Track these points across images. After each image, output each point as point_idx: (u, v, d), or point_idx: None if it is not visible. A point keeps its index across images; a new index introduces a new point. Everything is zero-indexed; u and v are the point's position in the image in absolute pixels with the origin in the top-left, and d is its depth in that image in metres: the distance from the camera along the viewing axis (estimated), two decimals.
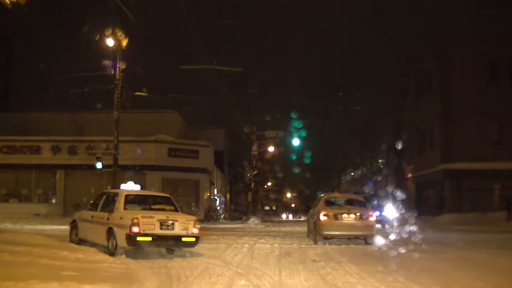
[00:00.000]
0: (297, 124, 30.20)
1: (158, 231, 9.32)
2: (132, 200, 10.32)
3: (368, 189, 38.74)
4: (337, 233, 13.42)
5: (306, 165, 67.98)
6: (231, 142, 47.72)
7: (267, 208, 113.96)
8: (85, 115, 32.48)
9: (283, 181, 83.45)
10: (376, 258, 10.27)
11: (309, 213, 16.52)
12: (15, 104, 46.44)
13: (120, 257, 9.27)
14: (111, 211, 10.06)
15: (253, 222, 29.58)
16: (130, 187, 12.08)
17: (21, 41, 42.91)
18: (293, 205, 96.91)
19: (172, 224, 9.53)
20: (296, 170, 53.20)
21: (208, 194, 32.41)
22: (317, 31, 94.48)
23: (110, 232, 9.70)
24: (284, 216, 71.02)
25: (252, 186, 39.76)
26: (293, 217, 67.86)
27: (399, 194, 27.15)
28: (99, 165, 24.71)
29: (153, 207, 10.34)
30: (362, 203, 14.47)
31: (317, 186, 70.36)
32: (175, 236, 9.55)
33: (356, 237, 13.59)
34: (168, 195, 11.19)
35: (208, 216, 30.32)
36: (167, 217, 9.62)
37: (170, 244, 9.90)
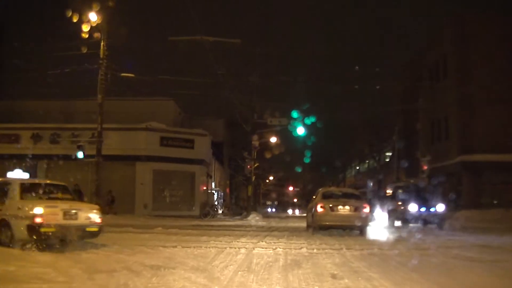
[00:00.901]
0: (301, 117, 27.47)
1: (61, 221, 8.91)
2: (27, 189, 9.66)
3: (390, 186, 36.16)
4: (333, 223, 14.34)
5: (310, 158, 65.46)
6: (232, 133, 45.07)
7: (269, 203, 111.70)
8: (74, 103, 29.87)
9: (286, 176, 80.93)
10: (416, 270, 7.56)
11: (308, 207, 17.44)
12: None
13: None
14: (3, 202, 9.35)
15: (254, 218, 26.99)
16: (18, 175, 10.76)
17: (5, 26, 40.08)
18: (295, 200, 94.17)
19: (76, 213, 9.20)
20: (307, 159, 50.14)
21: (204, 188, 29.78)
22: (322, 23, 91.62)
23: (2, 224, 9.05)
24: (290, 211, 68.22)
25: (253, 180, 37.14)
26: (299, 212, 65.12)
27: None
28: (80, 154, 22.11)
29: (51, 196, 9.81)
30: (357, 196, 15.69)
31: (321, 181, 67.69)
32: (79, 226, 9.14)
33: (351, 228, 14.48)
34: (64, 184, 10.66)
35: (204, 211, 27.77)
36: (70, 206, 9.32)
37: (73, 235, 9.12)
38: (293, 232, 16.20)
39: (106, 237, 10.45)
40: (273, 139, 36.08)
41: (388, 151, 38.92)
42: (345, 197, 15.26)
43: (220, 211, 37.64)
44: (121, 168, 26.16)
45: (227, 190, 46.80)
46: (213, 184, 34.79)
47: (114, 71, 22.64)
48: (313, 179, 72.43)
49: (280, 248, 10.53)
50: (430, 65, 34.61)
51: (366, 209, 14.48)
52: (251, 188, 27.90)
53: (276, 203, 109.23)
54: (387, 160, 45.16)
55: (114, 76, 23.48)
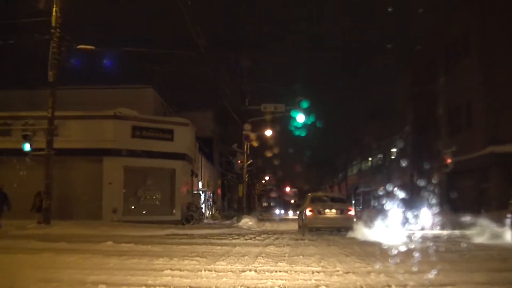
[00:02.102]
0: (304, 103, 23.06)
1: None
2: None
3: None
4: (321, 225, 15.68)
5: (310, 157, 61.16)
6: (222, 127, 40.64)
7: (265, 204, 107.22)
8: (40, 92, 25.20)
9: (283, 175, 76.57)
10: None
11: (299, 211, 18.72)
12: None
13: None
14: None
15: (246, 223, 22.53)
16: None
17: None
18: (292, 201, 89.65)
19: None
20: (308, 153, 45.86)
21: (188, 188, 25.27)
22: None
23: None
24: (290, 213, 62.88)
25: (246, 178, 32.65)
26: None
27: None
28: (27, 146, 17.65)
29: None
30: (343, 200, 17.85)
31: (320, 181, 63.35)
32: None
33: (338, 229, 15.64)
34: None
35: (187, 216, 23.28)
36: None
37: None
38: (297, 244, 11.73)
39: None
40: (268, 132, 31.65)
41: (398, 145, 34.53)
42: (331, 201, 16.83)
43: (208, 215, 33.14)
44: (84, 164, 21.68)
45: (219, 191, 42.30)
46: (199, 183, 30.28)
47: (69, 42, 18.21)
48: (311, 179, 68.09)
49: (281, 280, 6.09)
50: (447, 44, 30.30)
51: (351, 212, 16.07)
52: (243, 187, 23.39)
53: (272, 204, 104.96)
54: (393, 157, 40.92)
55: (91, 64, 19.28)
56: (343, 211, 15.88)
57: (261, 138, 36.56)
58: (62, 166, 21.55)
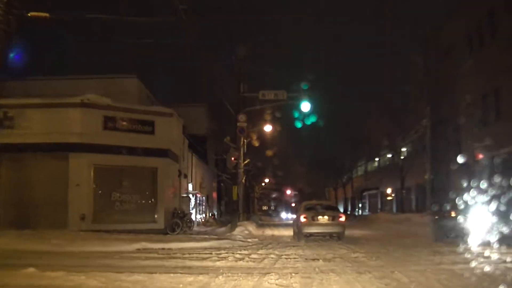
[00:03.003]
0: (305, 87, 19.55)
1: None
2: None
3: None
4: (314, 231, 16.57)
5: (312, 157, 57.44)
6: (218, 124, 36.93)
7: (265, 208, 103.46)
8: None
9: (284, 177, 72.86)
10: None
11: (294, 218, 20.67)
12: None
13: None
14: None
15: (242, 232, 18.89)
16: None
17: None
18: (293, 204, 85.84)
19: None
20: (310, 152, 41.84)
21: (173, 191, 21.61)
22: None
23: None
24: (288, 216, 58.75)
25: (243, 179, 28.99)
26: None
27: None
28: None
29: None
30: (334, 207, 20.31)
31: (324, 183, 59.62)
32: None
33: (330, 235, 16.75)
34: None
35: (172, 223, 19.60)
36: None
37: None
38: (309, 269, 8.05)
39: None
40: (268, 128, 28.04)
41: (413, 142, 30.82)
42: (324, 209, 17.56)
43: (201, 220, 29.46)
44: (46, 163, 18.01)
45: (214, 194, 38.60)
46: (189, 185, 26.60)
47: (19, 9, 14.60)
48: (314, 181, 64.39)
49: None
50: (469, 26, 26.68)
51: (342, 218, 16.93)
52: (238, 189, 19.67)
53: (273, 207, 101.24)
54: (403, 156, 37.32)
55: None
56: (334, 218, 16.78)
57: (260, 136, 32.96)
58: (19, 164, 17.97)
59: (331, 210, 18.05)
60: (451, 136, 27.41)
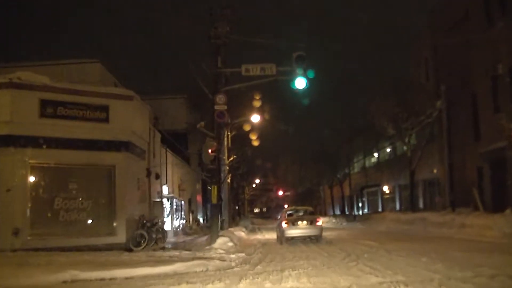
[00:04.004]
0: (301, 59, 15.49)
1: None
2: None
3: None
4: (295, 234, 17.69)
5: (305, 152, 53.46)
6: (201, 117, 32.66)
7: (257, 210, 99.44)
8: None
9: (275, 177, 69.14)
10: None
11: (277, 224, 20.36)
12: None
13: None
14: None
15: (224, 244, 14.75)
16: None
17: None
18: (286, 205, 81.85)
19: None
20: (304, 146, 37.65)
21: (141, 194, 17.45)
22: None
23: None
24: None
25: (228, 178, 24.90)
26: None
27: None
28: None
29: None
30: (312, 212, 20.73)
31: (318, 180, 55.57)
32: None
33: (309, 237, 17.82)
34: None
35: (136, 235, 15.45)
36: None
37: None
38: None
39: None
40: (255, 118, 23.97)
41: (420, 131, 26.91)
42: (303, 214, 19.67)
43: (179, 229, 25.27)
44: None
45: (198, 197, 34.39)
46: (164, 188, 22.39)
47: None
48: (306, 179, 60.44)
49: None
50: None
51: (319, 222, 18.13)
52: (218, 190, 15.42)
53: (265, 209, 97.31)
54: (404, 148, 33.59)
55: None
56: (312, 222, 17.99)
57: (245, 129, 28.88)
58: None
59: (310, 214, 19.69)
60: (467, 120, 23.57)
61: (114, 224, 15.30)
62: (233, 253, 13.13)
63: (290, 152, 58.01)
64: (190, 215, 30.44)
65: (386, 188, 40.67)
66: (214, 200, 15.18)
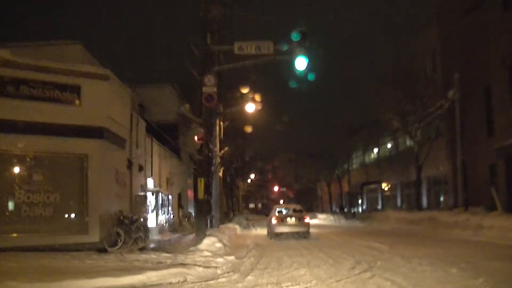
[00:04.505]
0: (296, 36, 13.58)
1: None
2: None
3: None
4: (284, 231, 18.58)
5: (302, 148, 51.83)
6: (193, 107, 30.71)
7: (252, 206, 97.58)
8: None
9: (271, 172, 67.25)
10: None
11: (267, 220, 21.20)
12: None
13: None
14: None
15: (212, 245, 12.87)
16: None
17: None
18: (281, 201, 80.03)
19: None
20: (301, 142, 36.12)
21: (118, 187, 15.49)
22: None
23: None
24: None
25: (220, 171, 23.00)
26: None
27: None
28: None
29: None
30: (301, 210, 20.32)
31: (315, 177, 53.85)
32: None
33: (297, 233, 18.48)
34: None
35: (112, 234, 13.55)
36: None
37: None
38: None
39: None
40: (250, 107, 22.04)
41: (426, 125, 25.05)
42: (292, 211, 19.90)
43: (167, 225, 23.34)
44: None
45: (189, 192, 32.40)
46: (149, 181, 20.43)
47: None
48: (304, 176, 58.67)
49: None
50: None
51: (306, 219, 19.07)
52: (205, 184, 13.41)
53: (261, 205, 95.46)
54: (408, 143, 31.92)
55: None
56: (300, 219, 18.94)
57: (240, 120, 27.10)
58: None
59: (298, 212, 19.95)
60: (480, 114, 21.73)
61: (86, 220, 13.34)
62: (221, 256, 11.23)
63: (287, 148, 56.29)
64: (180, 211, 28.49)
65: (387, 186, 38.93)
66: (201, 195, 13.24)
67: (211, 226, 18.26)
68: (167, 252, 11.82)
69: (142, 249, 13.62)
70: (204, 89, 13.23)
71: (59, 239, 12.72)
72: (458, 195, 22.86)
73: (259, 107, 23.21)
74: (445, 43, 26.28)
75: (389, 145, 39.00)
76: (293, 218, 18.88)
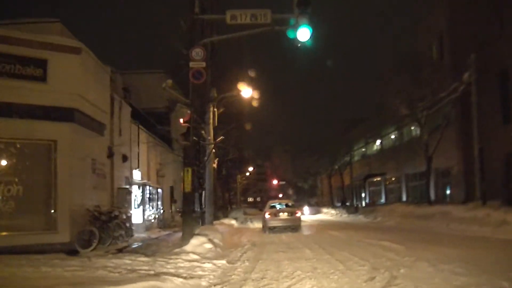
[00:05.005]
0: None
1: None
2: None
3: None
4: (277, 225, 19.59)
5: (302, 141, 49.98)
6: (186, 94, 28.78)
7: (250, 199, 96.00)
8: None
9: (270, 166, 65.53)
10: None
11: (262, 214, 21.95)
12: None
13: None
14: None
15: (200, 246, 11.05)
16: None
17: None
18: (280, 195, 78.36)
19: None
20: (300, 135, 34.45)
21: (96, 179, 13.65)
22: None
23: None
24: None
25: (215, 162, 21.14)
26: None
27: None
28: None
29: None
30: (293, 205, 21.92)
31: (316, 170, 52.07)
32: None
33: (289, 227, 19.37)
34: None
35: (85, 233, 11.76)
36: None
37: None
38: None
39: None
40: (247, 92, 20.22)
41: (439, 110, 23.20)
42: (285, 207, 21.14)
43: (157, 220, 21.52)
44: None
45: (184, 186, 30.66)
46: (135, 173, 18.58)
47: None
48: (302, 169, 56.91)
49: None
50: None
51: (298, 214, 20.38)
52: (191, 173, 11.45)
53: (259, 199, 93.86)
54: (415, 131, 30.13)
55: None
56: (292, 214, 20.09)
57: (236, 107, 25.33)
58: None
59: (290, 207, 21.13)
60: (494, 100, 19.89)
61: (54, 217, 11.53)
62: (210, 260, 9.43)
63: (285, 141, 54.57)
64: (173, 205, 26.68)
65: (391, 178, 37.16)
66: (187, 187, 11.38)
67: (203, 223, 16.48)
68: (146, 256, 9.99)
69: (121, 250, 11.84)
70: (191, 64, 11.33)
71: (19, 238, 10.96)
72: (473, 187, 21.12)
73: (256, 96, 21.50)
74: (454, 25, 24.38)
75: (392, 136, 37.23)
76: (285, 213, 20.08)
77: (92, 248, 11.54)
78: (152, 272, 7.75)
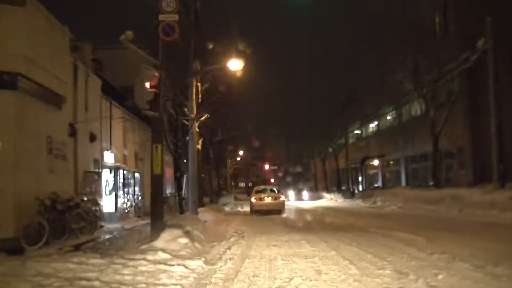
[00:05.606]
0: None
1: None
2: None
3: None
4: (262, 208, 20.74)
5: (294, 124, 47.96)
6: (170, 71, 26.35)
7: (242, 185, 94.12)
8: None
9: (262, 148, 63.41)
10: None
11: (249, 199, 23.58)
12: None
13: None
14: None
15: (173, 241, 8.93)
16: None
17: None
18: (272, 180, 76.48)
19: None
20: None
21: (47, 160, 11.45)
22: None
23: None
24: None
25: (199, 142, 19.04)
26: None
27: None
28: None
29: None
30: (277, 190, 23.15)
31: (308, 153, 50.09)
32: None
33: (273, 210, 20.59)
34: None
35: (33, 227, 9.59)
36: None
37: None
38: None
39: None
40: (234, 64, 17.94)
41: (446, 83, 21.11)
42: (269, 191, 22.49)
43: (133, 209, 19.37)
44: None
45: (168, 171, 28.43)
46: (107, 155, 16.35)
47: None
48: (296, 152, 54.96)
49: None
50: None
51: (282, 198, 21.69)
52: (160, 151, 9.28)
53: (251, 184, 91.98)
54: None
55: None
56: (276, 198, 21.43)
57: (225, 83, 23.22)
58: None
59: (274, 192, 22.32)
60: (505, 73, 17.74)
61: None
62: (183, 260, 7.38)
63: (278, 123, 52.42)
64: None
65: (390, 159, 35.25)
66: (156, 169, 9.21)
67: (182, 212, 14.39)
68: (102, 256, 7.86)
69: (79, 247, 9.72)
70: (161, 16, 9.14)
71: None
72: (482, 168, 19.23)
73: (243, 68, 19.24)
74: None
75: (389, 117, 35.27)
76: (270, 197, 21.37)
77: (40, 245, 9.41)
78: (96, 284, 5.64)
